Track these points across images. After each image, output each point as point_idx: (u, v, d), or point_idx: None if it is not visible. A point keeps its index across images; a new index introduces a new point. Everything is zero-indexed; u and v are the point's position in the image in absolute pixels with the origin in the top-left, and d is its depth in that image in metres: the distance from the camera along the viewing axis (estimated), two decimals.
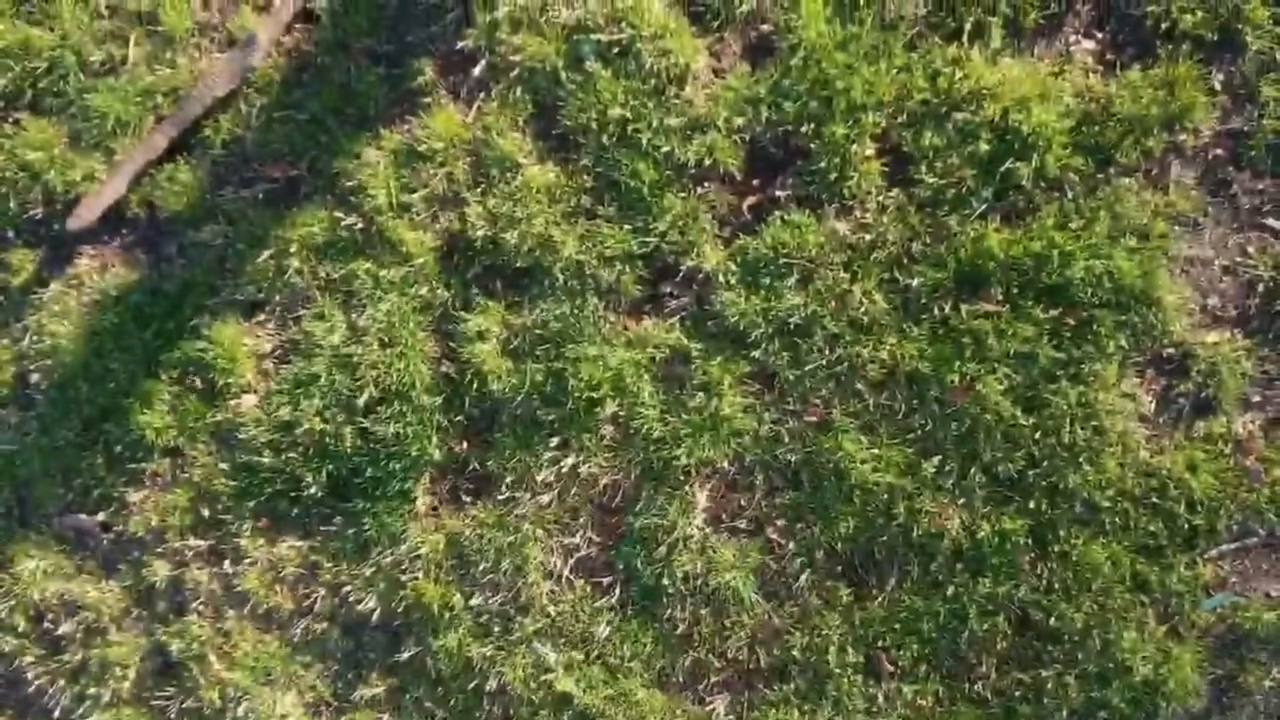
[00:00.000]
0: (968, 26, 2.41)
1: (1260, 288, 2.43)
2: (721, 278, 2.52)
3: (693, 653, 2.62)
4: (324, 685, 2.73)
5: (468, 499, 2.67)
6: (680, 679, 2.64)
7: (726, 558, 2.57)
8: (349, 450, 2.64)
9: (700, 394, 2.54)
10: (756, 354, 2.52)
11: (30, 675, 2.87)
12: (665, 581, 2.58)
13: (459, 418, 2.64)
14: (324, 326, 2.66)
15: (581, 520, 2.63)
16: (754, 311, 2.50)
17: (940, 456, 2.49)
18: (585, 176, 2.54)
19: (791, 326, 2.50)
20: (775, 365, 2.52)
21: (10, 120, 2.77)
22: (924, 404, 2.49)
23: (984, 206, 2.42)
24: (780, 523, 2.57)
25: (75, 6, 2.68)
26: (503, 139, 2.53)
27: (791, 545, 2.57)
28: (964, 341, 2.45)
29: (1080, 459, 2.44)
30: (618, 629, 2.63)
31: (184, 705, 2.79)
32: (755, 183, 2.54)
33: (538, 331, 2.57)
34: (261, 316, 2.75)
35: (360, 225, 2.62)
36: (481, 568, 2.63)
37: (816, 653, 2.56)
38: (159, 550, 2.77)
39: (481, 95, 2.57)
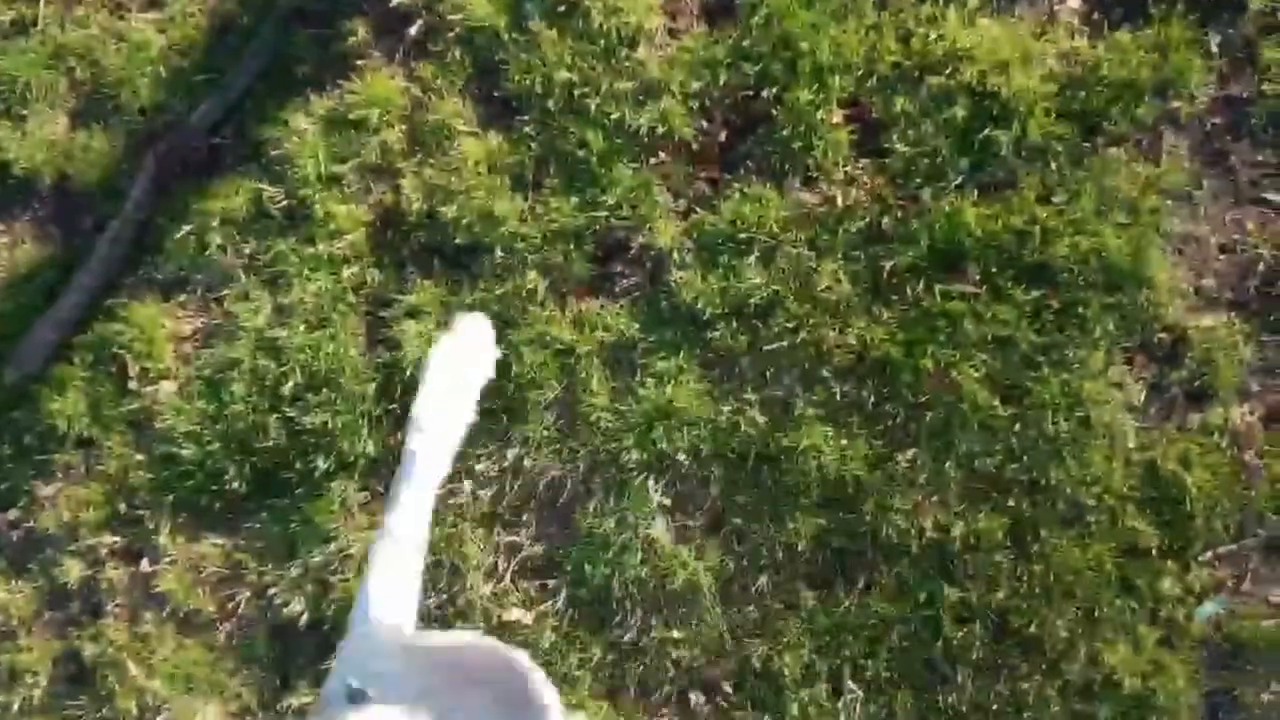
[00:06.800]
0: None
1: (1260, 267, 2.28)
2: (676, 255, 2.36)
3: (645, 662, 2.44)
4: (250, 693, 2.55)
5: None
6: (632, 690, 2.46)
7: (681, 558, 2.39)
8: (274, 441, 2.47)
9: (653, 381, 2.37)
10: (714, 338, 2.36)
11: None
12: (615, 584, 2.41)
13: (393, 406, 2.46)
14: (248, 307, 2.50)
15: (525, 517, 2.46)
16: (711, 292, 2.34)
17: (912, 450, 2.33)
18: (529, 145, 2.38)
19: (751, 308, 2.34)
20: (734, 350, 2.36)
21: None
22: (895, 392, 2.33)
23: (960, 178, 2.28)
24: (739, 521, 2.40)
25: None
26: (441, 104, 2.38)
27: (751, 545, 2.39)
28: (938, 325, 2.29)
29: (1064, 453, 2.28)
30: (565, 635, 2.46)
31: (100, 714, 2.61)
32: (712, 153, 2.38)
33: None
34: (182, 297, 2.58)
35: (287, 198, 2.45)
36: None
37: (777, 662, 2.39)
38: (71, 548, 2.60)
39: (418, 58, 2.42)
